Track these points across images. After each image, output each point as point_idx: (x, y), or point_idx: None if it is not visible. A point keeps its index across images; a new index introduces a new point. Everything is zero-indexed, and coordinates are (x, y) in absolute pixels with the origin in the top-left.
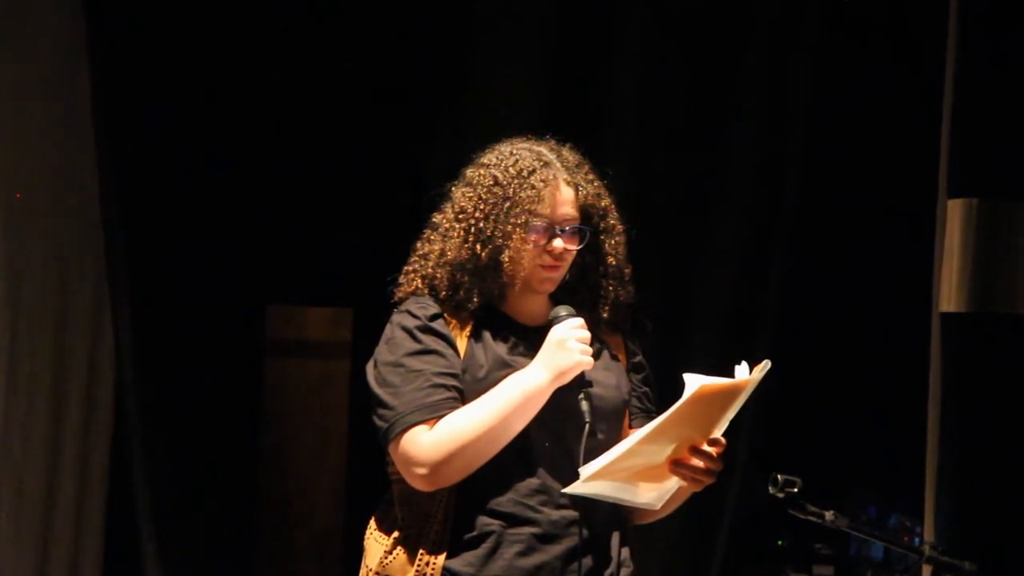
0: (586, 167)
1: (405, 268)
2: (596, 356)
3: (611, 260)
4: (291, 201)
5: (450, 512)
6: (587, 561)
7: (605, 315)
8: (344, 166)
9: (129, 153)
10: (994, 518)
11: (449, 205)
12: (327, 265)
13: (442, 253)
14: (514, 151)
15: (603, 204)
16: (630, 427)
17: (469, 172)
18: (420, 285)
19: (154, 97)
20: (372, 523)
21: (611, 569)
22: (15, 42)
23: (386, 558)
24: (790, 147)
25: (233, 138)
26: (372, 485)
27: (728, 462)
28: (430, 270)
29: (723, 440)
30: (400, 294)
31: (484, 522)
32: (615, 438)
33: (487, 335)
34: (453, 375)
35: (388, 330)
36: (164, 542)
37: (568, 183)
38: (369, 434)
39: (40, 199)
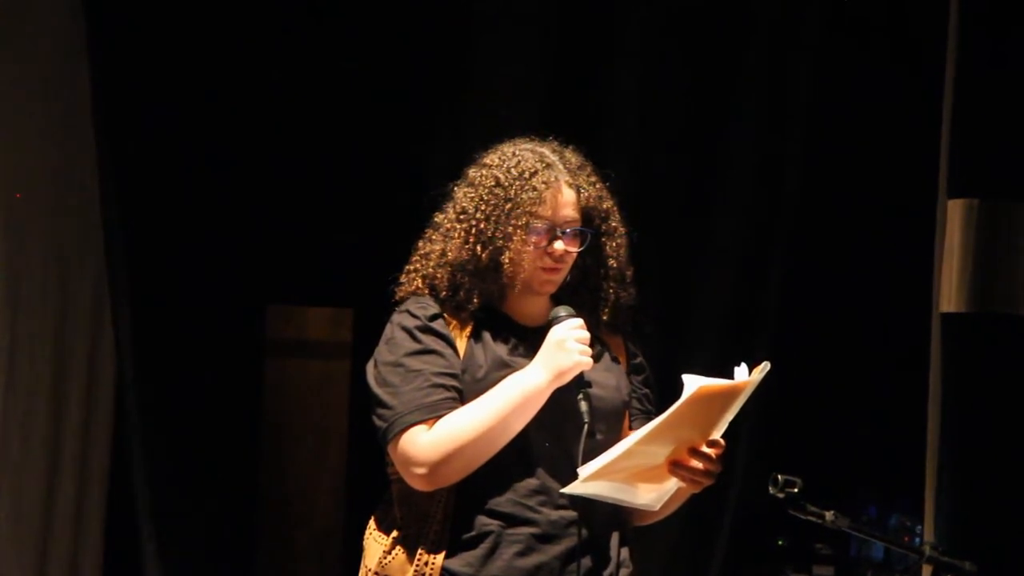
0: (588, 169)
1: (406, 267)
2: (596, 357)
3: (612, 262)
4: (291, 201)
5: (449, 512)
6: (586, 561)
7: (605, 317)
8: (344, 166)
9: (129, 153)
10: (994, 518)
11: (451, 205)
12: (327, 265)
13: (443, 253)
14: (516, 152)
15: (605, 206)
16: (630, 428)
17: (471, 172)
18: (421, 285)
19: (154, 97)
20: (371, 523)
21: (610, 569)
22: (15, 42)
23: (385, 558)
24: (790, 147)
25: (233, 138)
26: (372, 485)
27: (727, 463)
28: (431, 270)
29: (722, 441)
30: (401, 293)
31: (483, 522)
32: (615, 439)
33: (487, 335)
34: (452, 375)
35: (388, 330)
36: (164, 542)
37: (570, 185)
38: (369, 434)
39: (40, 199)
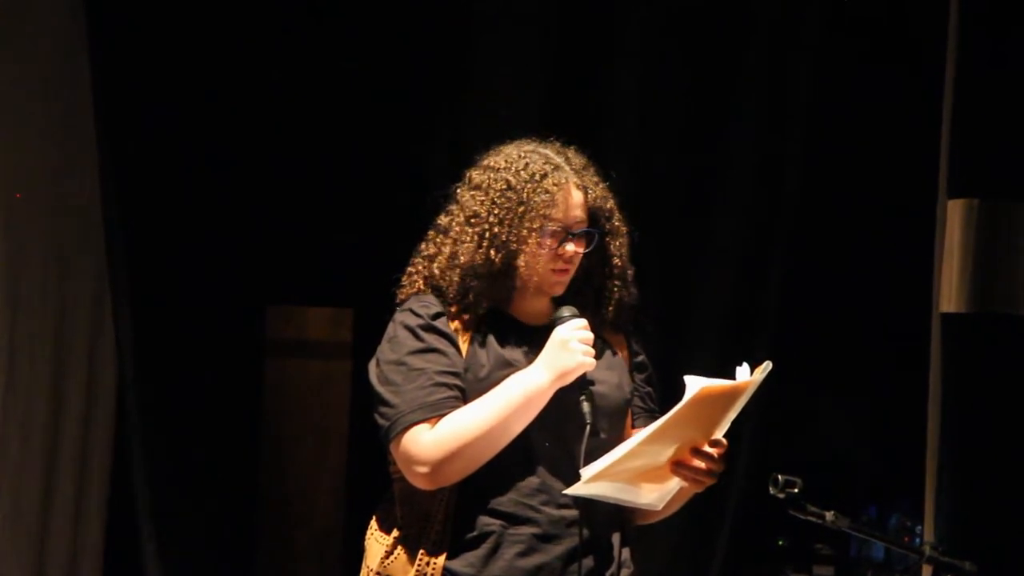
0: (592, 169)
1: (408, 269)
2: (599, 356)
3: (616, 261)
4: (291, 201)
5: (450, 512)
6: (587, 561)
7: (609, 316)
8: (344, 166)
9: (129, 153)
10: (994, 518)
11: (457, 208)
12: (327, 265)
13: (453, 256)
14: (522, 154)
15: (609, 206)
16: (633, 427)
17: (476, 175)
18: (423, 286)
19: (154, 97)
20: (373, 523)
21: (612, 569)
22: (15, 42)
23: (387, 558)
24: (790, 147)
25: (233, 138)
26: (372, 485)
27: (729, 463)
28: (437, 272)
29: (724, 441)
30: (403, 295)
31: (485, 522)
32: (618, 438)
33: (490, 335)
34: (455, 374)
35: (391, 328)
36: (164, 542)
37: (578, 186)
38: (369, 434)
39: (40, 199)
